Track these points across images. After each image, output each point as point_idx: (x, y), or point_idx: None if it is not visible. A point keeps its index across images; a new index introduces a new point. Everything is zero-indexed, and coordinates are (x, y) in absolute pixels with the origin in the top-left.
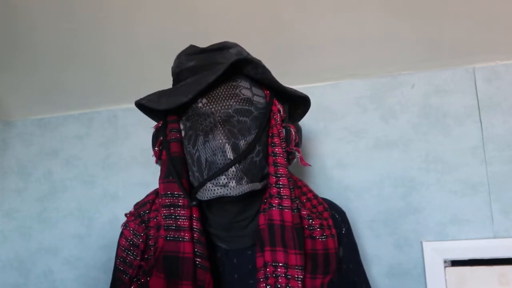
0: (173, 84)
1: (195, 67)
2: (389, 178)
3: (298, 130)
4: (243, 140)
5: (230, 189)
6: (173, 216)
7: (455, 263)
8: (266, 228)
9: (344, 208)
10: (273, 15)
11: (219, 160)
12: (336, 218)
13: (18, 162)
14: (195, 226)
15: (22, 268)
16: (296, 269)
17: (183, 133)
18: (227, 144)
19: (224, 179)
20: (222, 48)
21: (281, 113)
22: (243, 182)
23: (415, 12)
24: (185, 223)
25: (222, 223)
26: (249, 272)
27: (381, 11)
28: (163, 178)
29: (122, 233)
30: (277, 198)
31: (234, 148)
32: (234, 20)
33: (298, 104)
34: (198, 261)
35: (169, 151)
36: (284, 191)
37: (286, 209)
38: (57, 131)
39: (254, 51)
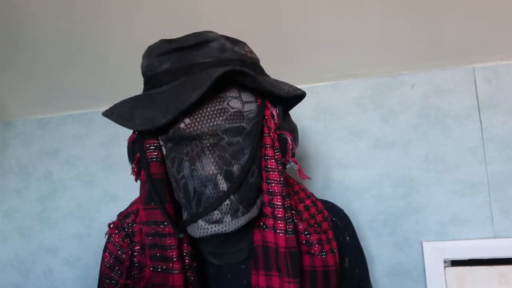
0: (145, 87)
1: (172, 71)
2: (389, 178)
3: (294, 131)
4: (236, 165)
5: (225, 225)
6: (159, 246)
7: (455, 263)
8: (260, 248)
9: (344, 208)
10: (274, 15)
11: (210, 193)
12: (338, 225)
13: (18, 162)
14: (185, 251)
15: (22, 268)
16: None
17: (164, 151)
18: (219, 175)
19: (218, 214)
20: (201, 43)
21: (275, 118)
22: (239, 213)
23: (415, 12)
24: (173, 253)
25: (214, 241)
26: (244, 287)
27: (381, 11)
28: (144, 204)
29: (106, 247)
30: (271, 219)
31: (228, 177)
32: (234, 20)
33: (293, 99)
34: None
35: (148, 172)
36: (278, 212)
37: (280, 232)
38: (57, 131)
39: (255, 51)
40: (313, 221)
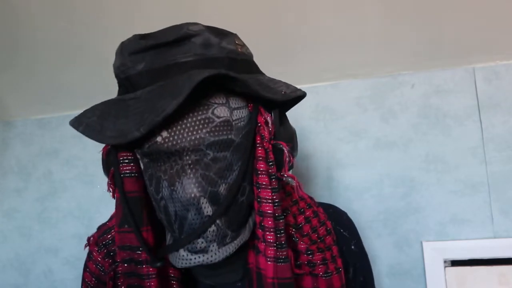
0: (119, 90)
1: (147, 73)
2: (389, 178)
3: (293, 138)
4: (223, 184)
5: (211, 255)
6: (135, 274)
7: (455, 263)
8: (255, 274)
9: (344, 208)
10: (273, 15)
11: (192, 218)
12: (342, 235)
13: (18, 162)
14: (172, 274)
15: (22, 268)
16: None
17: (141, 165)
18: (202, 198)
19: (202, 242)
20: (181, 38)
21: (270, 126)
22: (227, 240)
23: (415, 12)
24: (151, 283)
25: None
26: None
27: (381, 11)
28: (118, 226)
29: (86, 266)
30: (262, 243)
31: (213, 199)
32: (234, 20)
33: (291, 101)
34: None
35: (122, 190)
36: (269, 237)
37: (269, 261)
38: (57, 131)
39: (254, 51)
40: (316, 235)
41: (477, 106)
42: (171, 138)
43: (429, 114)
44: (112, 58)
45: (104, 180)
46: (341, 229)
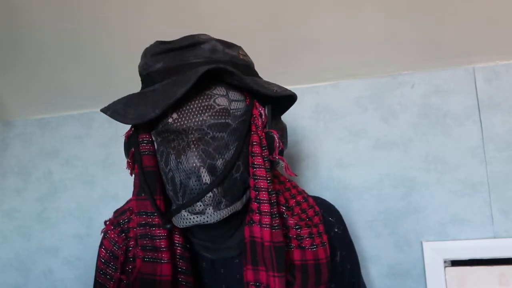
0: (142, 86)
1: (164, 70)
2: (389, 178)
3: (283, 131)
4: (220, 159)
5: (207, 216)
6: (149, 236)
7: (455, 263)
8: (249, 244)
9: (344, 208)
10: (273, 15)
11: (193, 185)
12: (329, 220)
13: (18, 162)
14: (177, 241)
15: (22, 268)
16: None
17: (155, 145)
18: (202, 168)
19: (200, 205)
20: (193, 44)
21: (263, 117)
22: (222, 206)
23: (415, 12)
24: (162, 243)
25: (207, 234)
26: (237, 282)
27: (381, 11)
28: (136, 195)
29: (102, 243)
30: (257, 214)
31: (211, 170)
32: (234, 20)
33: (283, 100)
34: (181, 278)
35: (141, 165)
36: (264, 207)
37: (265, 227)
38: (57, 131)
39: (254, 51)
40: (305, 215)
41: (477, 106)
42: (179, 119)
43: (429, 114)
44: (112, 58)
45: (104, 180)
46: (328, 216)
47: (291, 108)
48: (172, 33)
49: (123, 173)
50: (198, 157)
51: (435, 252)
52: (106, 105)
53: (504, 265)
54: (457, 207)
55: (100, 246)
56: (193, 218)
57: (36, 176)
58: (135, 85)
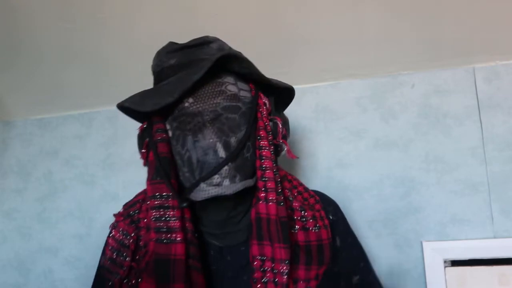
0: (154, 84)
1: (177, 65)
2: (389, 178)
3: (285, 122)
4: (233, 137)
5: (224, 188)
6: (163, 218)
7: (455, 263)
8: (254, 221)
9: (344, 208)
10: (273, 15)
11: (211, 159)
12: (327, 209)
13: (18, 162)
14: (187, 227)
15: (22, 268)
16: (282, 263)
17: (170, 133)
18: (218, 143)
19: (218, 178)
20: (202, 43)
21: (267, 106)
22: (237, 180)
23: (415, 12)
24: (176, 224)
25: (215, 220)
26: (243, 268)
27: (381, 11)
28: (150, 179)
29: (111, 232)
30: (263, 192)
31: (226, 146)
32: (234, 20)
33: (283, 95)
34: (190, 262)
35: (156, 151)
36: (270, 184)
37: (271, 202)
38: (57, 131)
39: (255, 51)
40: (307, 203)
41: (477, 106)
42: (195, 103)
43: (429, 114)
44: (112, 58)
45: (104, 180)
46: (326, 206)
47: (291, 108)
48: (172, 33)
49: (123, 173)
50: (214, 133)
51: (435, 252)
52: (106, 105)
53: (504, 265)
54: (457, 207)
55: (109, 236)
56: (211, 189)
57: (36, 176)
58: (135, 85)
